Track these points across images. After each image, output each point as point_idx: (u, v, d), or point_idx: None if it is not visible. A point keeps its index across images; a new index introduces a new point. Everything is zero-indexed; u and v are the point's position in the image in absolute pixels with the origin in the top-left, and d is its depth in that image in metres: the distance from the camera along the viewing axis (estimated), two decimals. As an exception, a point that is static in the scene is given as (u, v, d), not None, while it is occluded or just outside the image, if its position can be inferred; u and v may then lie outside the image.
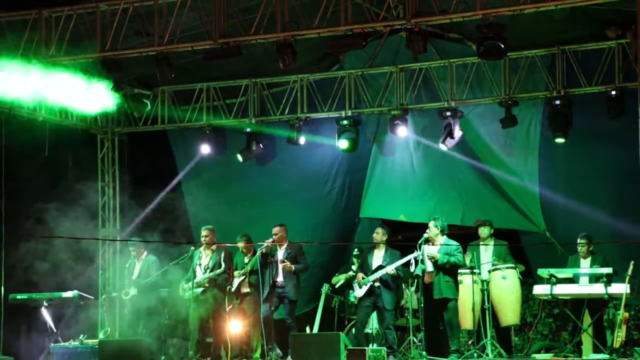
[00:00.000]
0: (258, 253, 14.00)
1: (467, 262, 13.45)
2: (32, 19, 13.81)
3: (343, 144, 15.77)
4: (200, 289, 13.93)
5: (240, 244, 14.35)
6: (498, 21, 12.33)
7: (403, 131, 15.61)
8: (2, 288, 14.95)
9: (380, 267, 13.65)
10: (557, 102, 14.74)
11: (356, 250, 15.14)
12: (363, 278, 13.71)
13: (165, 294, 14.87)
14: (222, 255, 14.06)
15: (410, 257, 13.41)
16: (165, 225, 15.83)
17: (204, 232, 14.23)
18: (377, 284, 13.64)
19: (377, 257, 13.81)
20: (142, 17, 13.51)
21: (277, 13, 12.88)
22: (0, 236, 14.70)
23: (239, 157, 16.51)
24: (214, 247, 14.15)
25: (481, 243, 13.84)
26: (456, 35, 15.27)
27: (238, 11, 13.23)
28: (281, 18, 12.86)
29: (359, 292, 13.74)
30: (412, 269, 13.45)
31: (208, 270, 13.98)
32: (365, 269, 13.83)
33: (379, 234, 13.91)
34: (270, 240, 14.02)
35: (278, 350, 13.94)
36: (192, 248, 14.21)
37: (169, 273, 14.50)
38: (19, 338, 15.56)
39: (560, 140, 14.82)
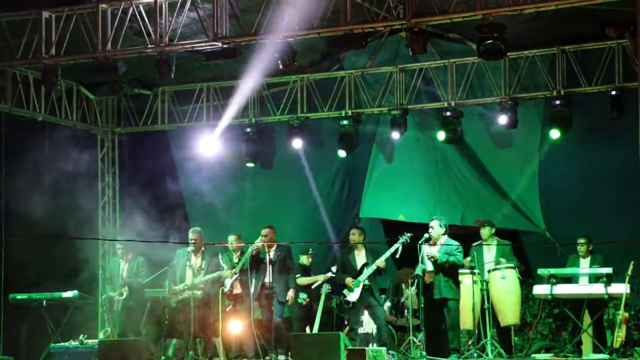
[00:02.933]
0: (248, 251, 13.93)
1: (467, 262, 13.45)
2: (32, 19, 13.81)
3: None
4: (199, 292, 13.88)
5: (231, 241, 14.29)
6: (498, 21, 12.33)
7: (403, 131, 15.62)
8: (2, 288, 14.98)
9: (366, 264, 13.62)
10: (557, 102, 14.74)
11: (310, 250, 15.15)
12: (352, 282, 13.64)
13: (165, 294, 14.86)
14: (220, 257, 14.02)
15: (397, 245, 13.39)
16: (165, 225, 15.82)
17: (193, 235, 14.10)
18: (367, 282, 13.62)
19: (360, 257, 13.78)
20: (142, 17, 13.51)
21: (277, 13, 12.88)
22: (0, 236, 14.72)
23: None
24: (203, 248, 14.10)
25: (484, 243, 13.84)
26: (456, 35, 15.27)
27: (238, 11, 13.23)
28: (281, 18, 12.86)
29: (352, 296, 13.66)
30: (397, 256, 13.41)
31: (203, 272, 13.92)
32: (349, 271, 13.77)
33: (356, 235, 13.89)
34: (260, 241, 13.94)
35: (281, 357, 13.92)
36: (189, 249, 14.08)
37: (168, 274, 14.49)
38: (19, 338, 15.55)
39: (556, 134, 14.80)
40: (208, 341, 14.05)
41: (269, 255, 13.91)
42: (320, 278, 14.95)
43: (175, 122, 16.99)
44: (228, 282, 14.19)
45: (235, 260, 14.28)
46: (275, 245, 14.01)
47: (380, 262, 13.57)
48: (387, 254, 13.59)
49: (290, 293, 13.90)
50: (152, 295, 14.54)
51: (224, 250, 14.27)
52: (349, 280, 13.67)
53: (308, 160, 16.63)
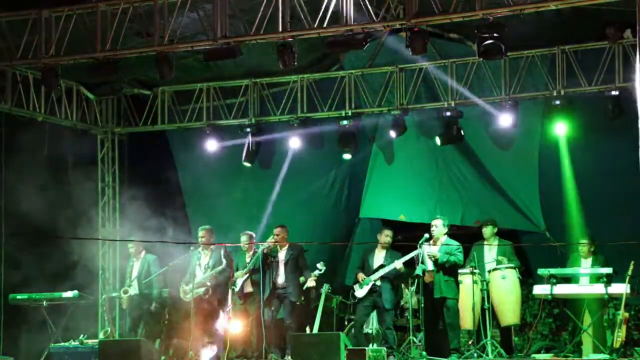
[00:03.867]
0: (260, 251, 14.00)
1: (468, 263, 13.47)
2: (32, 19, 13.81)
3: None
4: (202, 289, 13.93)
5: (244, 241, 14.35)
6: (498, 21, 12.33)
7: (403, 131, 15.61)
8: (2, 288, 14.98)
9: (382, 266, 13.67)
10: (557, 102, 14.74)
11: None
12: (363, 279, 13.73)
13: (166, 294, 14.88)
14: (222, 252, 14.07)
15: (417, 251, 13.45)
16: (165, 224, 15.83)
17: (201, 233, 14.28)
18: (378, 282, 13.67)
19: (379, 257, 13.86)
20: (142, 17, 13.51)
21: (277, 13, 12.88)
22: (0, 236, 14.72)
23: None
24: (212, 246, 14.16)
25: (485, 243, 13.85)
26: (456, 35, 15.26)
27: (238, 11, 13.22)
28: (281, 18, 12.86)
29: (359, 292, 13.78)
30: (417, 264, 13.47)
31: (209, 269, 13.99)
32: (366, 269, 13.86)
33: (389, 237, 13.93)
34: (272, 240, 14.01)
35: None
36: (192, 248, 14.21)
37: (169, 273, 14.51)
38: (19, 338, 15.55)
39: (562, 130, 14.77)
40: (213, 340, 14.07)
41: (280, 254, 13.95)
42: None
43: (175, 122, 16.99)
44: (239, 282, 14.23)
45: (247, 260, 14.32)
46: (287, 245, 14.06)
47: (399, 264, 13.62)
48: (406, 257, 13.64)
49: (310, 281, 13.86)
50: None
51: (238, 250, 14.37)
52: (361, 276, 13.77)
53: (307, 160, 16.61)
